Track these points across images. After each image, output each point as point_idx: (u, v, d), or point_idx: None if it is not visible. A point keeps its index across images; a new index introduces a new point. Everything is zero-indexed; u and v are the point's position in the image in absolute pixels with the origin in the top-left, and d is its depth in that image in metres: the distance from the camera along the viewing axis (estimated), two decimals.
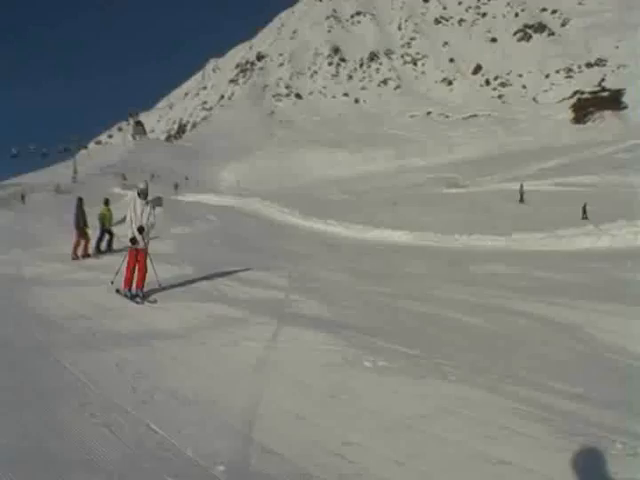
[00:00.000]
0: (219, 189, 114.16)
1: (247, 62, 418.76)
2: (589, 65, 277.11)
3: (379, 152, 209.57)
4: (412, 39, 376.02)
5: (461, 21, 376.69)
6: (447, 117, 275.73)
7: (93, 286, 14.92)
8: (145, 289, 13.03)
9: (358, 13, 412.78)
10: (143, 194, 12.90)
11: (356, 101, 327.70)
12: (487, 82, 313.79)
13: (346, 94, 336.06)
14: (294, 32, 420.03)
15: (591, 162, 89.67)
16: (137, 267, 12.97)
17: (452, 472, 4.86)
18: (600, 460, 4.85)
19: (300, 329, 9.31)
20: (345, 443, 5.43)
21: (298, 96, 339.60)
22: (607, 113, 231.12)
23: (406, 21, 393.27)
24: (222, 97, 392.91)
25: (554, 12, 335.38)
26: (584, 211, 37.50)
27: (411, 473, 4.88)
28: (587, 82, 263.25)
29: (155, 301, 12.47)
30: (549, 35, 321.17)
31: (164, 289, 13.53)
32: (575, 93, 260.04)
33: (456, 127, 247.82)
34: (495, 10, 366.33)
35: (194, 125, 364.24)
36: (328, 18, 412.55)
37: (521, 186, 53.31)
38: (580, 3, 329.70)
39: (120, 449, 5.33)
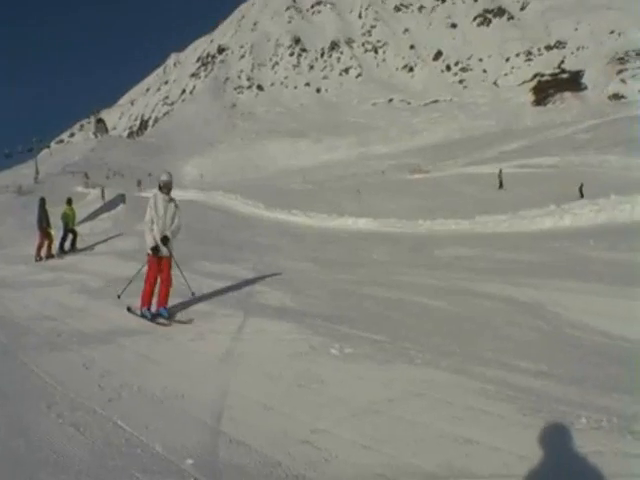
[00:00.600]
0: (183, 184, 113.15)
1: (208, 55, 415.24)
2: (548, 48, 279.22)
3: (342, 140, 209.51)
4: (372, 27, 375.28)
5: (421, 8, 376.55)
6: (409, 103, 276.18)
7: (57, 286, 14.80)
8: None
9: (318, 3, 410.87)
10: (166, 188, 10.71)
11: (318, 91, 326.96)
12: (448, 68, 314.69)
13: (308, 84, 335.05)
14: (254, 24, 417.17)
15: (551, 143, 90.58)
16: (160, 279, 10.63)
17: (420, 454, 4.91)
18: (566, 435, 4.93)
19: (266, 320, 9.34)
20: (313, 431, 5.48)
21: (260, 87, 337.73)
22: (567, 94, 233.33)
23: (366, 9, 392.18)
24: (184, 91, 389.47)
25: None
26: (581, 191, 38.31)
27: (379, 457, 4.93)
28: (547, 64, 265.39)
29: (191, 321, 10.02)
30: (508, 19, 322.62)
31: (197, 298, 11.48)
32: (535, 76, 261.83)
33: (418, 113, 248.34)
34: None
35: (156, 121, 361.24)
36: (288, 9, 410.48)
37: (500, 172, 52.82)
38: None
39: (88, 447, 5.31)
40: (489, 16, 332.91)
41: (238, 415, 5.99)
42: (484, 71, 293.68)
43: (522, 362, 7.02)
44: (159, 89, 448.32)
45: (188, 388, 6.84)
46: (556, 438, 4.94)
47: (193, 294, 11.25)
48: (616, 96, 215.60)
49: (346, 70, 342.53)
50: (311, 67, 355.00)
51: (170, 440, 5.43)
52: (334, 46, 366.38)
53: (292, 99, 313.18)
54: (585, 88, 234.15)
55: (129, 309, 10.88)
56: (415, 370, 6.78)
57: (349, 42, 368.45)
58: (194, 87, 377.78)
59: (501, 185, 50.69)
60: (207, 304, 11.00)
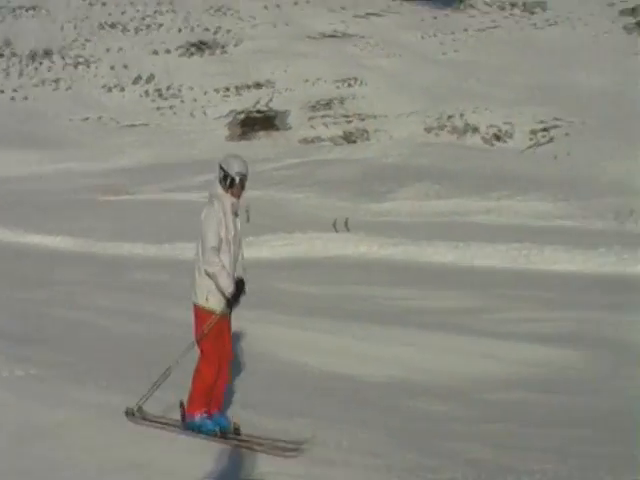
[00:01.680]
0: None
1: None
2: (253, 86, 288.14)
3: (36, 154, 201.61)
4: (78, 42, 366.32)
5: (132, 29, 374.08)
6: (112, 123, 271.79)
7: None
8: None
9: (33, 7, 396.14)
10: (241, 187, 6.10)
11: (18, 99, 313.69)
12: (151, 92, 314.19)
13: (13, 90, 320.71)
14: None
15: (252, 178, 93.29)
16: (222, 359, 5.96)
17: None
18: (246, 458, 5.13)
19: None
20: None
21: None
22: (267, 133, 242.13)
23: (77, 22, 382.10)
24: None
25: (223, 32, 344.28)
26: (345, 224, 37.82)
27: None
28: (250, 102, 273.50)
29: (301, 445, 5.31)
30: (216, 54, 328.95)
31: None
32: (238, 112, 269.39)
33: (120, 134, 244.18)
34: (163, 24, 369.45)
35: None
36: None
37: (342, 221, 47.62)
38: (246, 28, 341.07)
39: None
40: (197, 48, 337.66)
41: None
42: (186, 101, 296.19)
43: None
44: None
45: None
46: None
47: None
48: (310, 140, 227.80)
49: (47, 81, 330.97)
50: (10, 73, 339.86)
51: None
52: (37, 55, 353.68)
53: None
54: (284, 129, 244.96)
55: (144, 418, 5.90)
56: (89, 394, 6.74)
57: (53, 53, 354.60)
58: None
59: (347, 227, 48.16)
60: None
